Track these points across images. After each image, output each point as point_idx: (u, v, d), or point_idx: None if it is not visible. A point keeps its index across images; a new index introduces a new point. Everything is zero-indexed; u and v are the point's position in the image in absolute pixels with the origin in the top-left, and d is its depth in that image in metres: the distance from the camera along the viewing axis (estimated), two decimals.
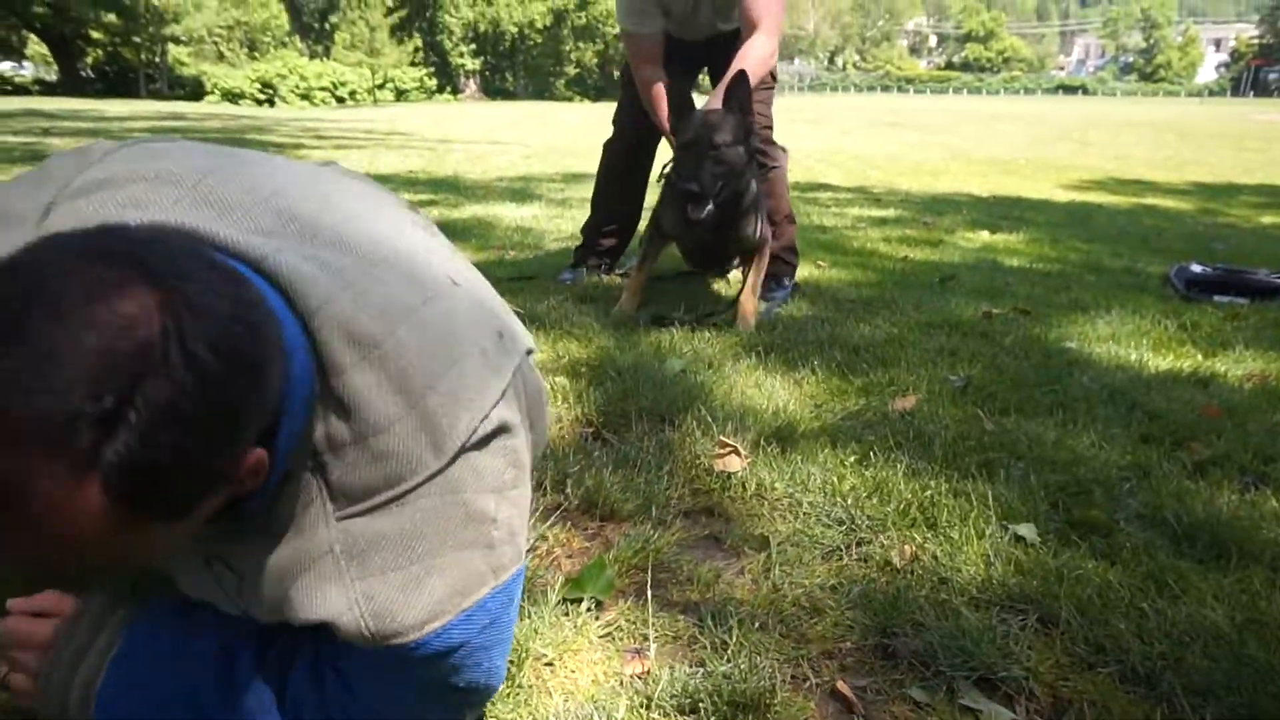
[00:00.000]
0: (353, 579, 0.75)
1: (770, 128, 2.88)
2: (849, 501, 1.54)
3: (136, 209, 0.75)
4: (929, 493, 1.56)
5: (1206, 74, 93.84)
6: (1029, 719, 1.07)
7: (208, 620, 0.86)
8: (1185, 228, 5.54)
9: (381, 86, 36.82)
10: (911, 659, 1.16)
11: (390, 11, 42.08)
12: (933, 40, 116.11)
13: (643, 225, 3.32)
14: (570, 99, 41.13)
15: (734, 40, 2.69)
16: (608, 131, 3.17)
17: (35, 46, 33.07)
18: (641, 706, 1.06)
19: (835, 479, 1.62)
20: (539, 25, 44.31)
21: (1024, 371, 2.27)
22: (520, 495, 0.84)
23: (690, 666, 1.13)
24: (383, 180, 0.97)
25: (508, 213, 4.87)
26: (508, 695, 1.07)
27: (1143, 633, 1.20)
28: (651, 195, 3.12)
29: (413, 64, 41.15)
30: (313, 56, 37.74)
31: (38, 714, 0.91)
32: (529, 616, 1.20)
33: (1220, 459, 1.76)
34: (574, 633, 1.19)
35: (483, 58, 45.54)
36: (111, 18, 29.92)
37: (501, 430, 0.80)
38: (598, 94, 43.08)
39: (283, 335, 0.67)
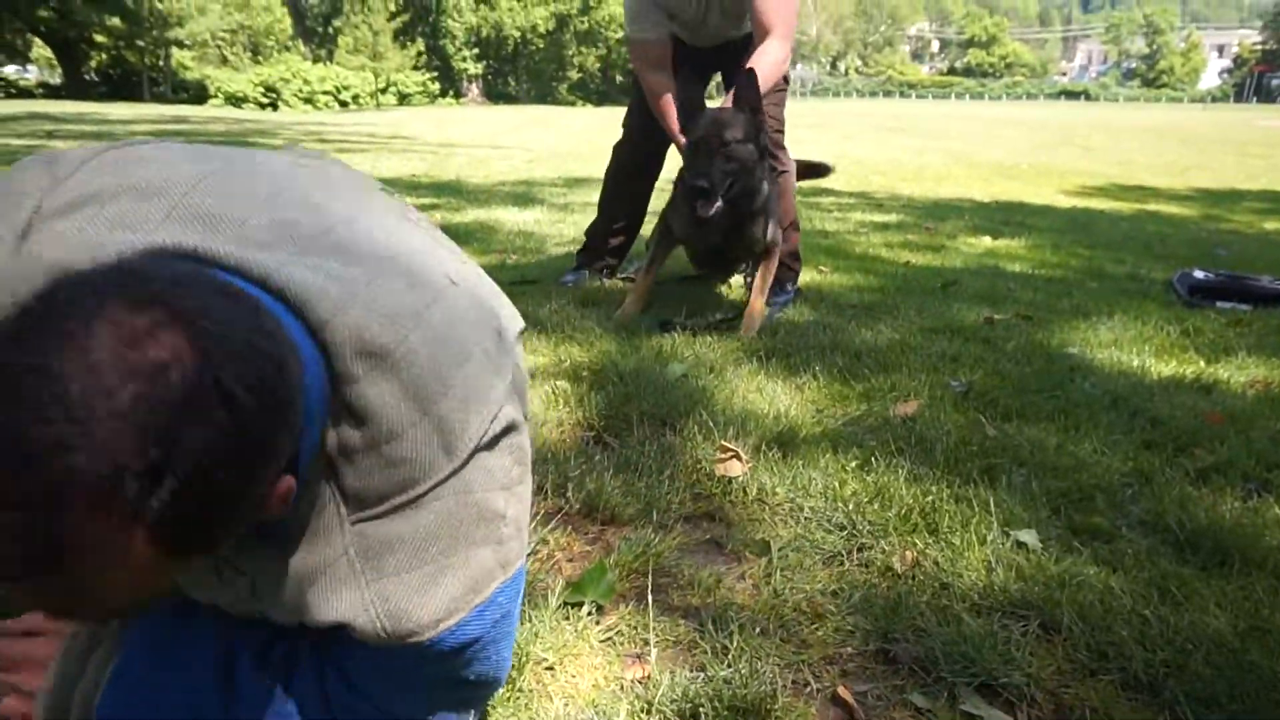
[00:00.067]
0: (368, 581, 0.75)
1: (781, 131, 2.88)
2: (850, 507, 1.54)
3: (125, 229, 0.71)
4: (930, 498, 1.56)
5: (1209, 80, 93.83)
6: None
7: (207, 624, 0.85)
8: (1188, 234, 5.53)
9: (384, 90, 36.88)
10: (913, 665, 1.15)
11: (393, 16, 42.19)
12: (935, 45, 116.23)
13: (646, 230, 3.32)
14: (573, 103, 41.18)
15: (745, 46, 2.68)
16: (610, 136, 3.18)
17: (40, 50, 33.20)
18: (642, 711, 1.05)
19: (836, 484, 1.61)
20: (542, 30, 44.41)
21: (1026, 377, 2.27)
22: (525, 490, 0.85)
23: (691, 671, 1.13)
24: (385, 184, 0.97)
25: (510, 217, 4.87)
26: (508, 699, 1.07)
27: (1145, 640, 1.19)
28: (657, 201, 3.12)
29: (415, 68, 41.22)
30: (316, 60, 37.79)
31: None
32: (530, 620, 1.20)
33: (1223, 466, 1.75)
34: (574, 637, 1.19)
35: (485, 62, 45.65)
36: (115, 21, 30.01)
37: (510, 429, 0.80)
38: (600, 98, 43.14)
39: (301, 356, 0.66)
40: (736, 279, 3.22)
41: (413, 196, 5.53)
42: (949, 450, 1.77)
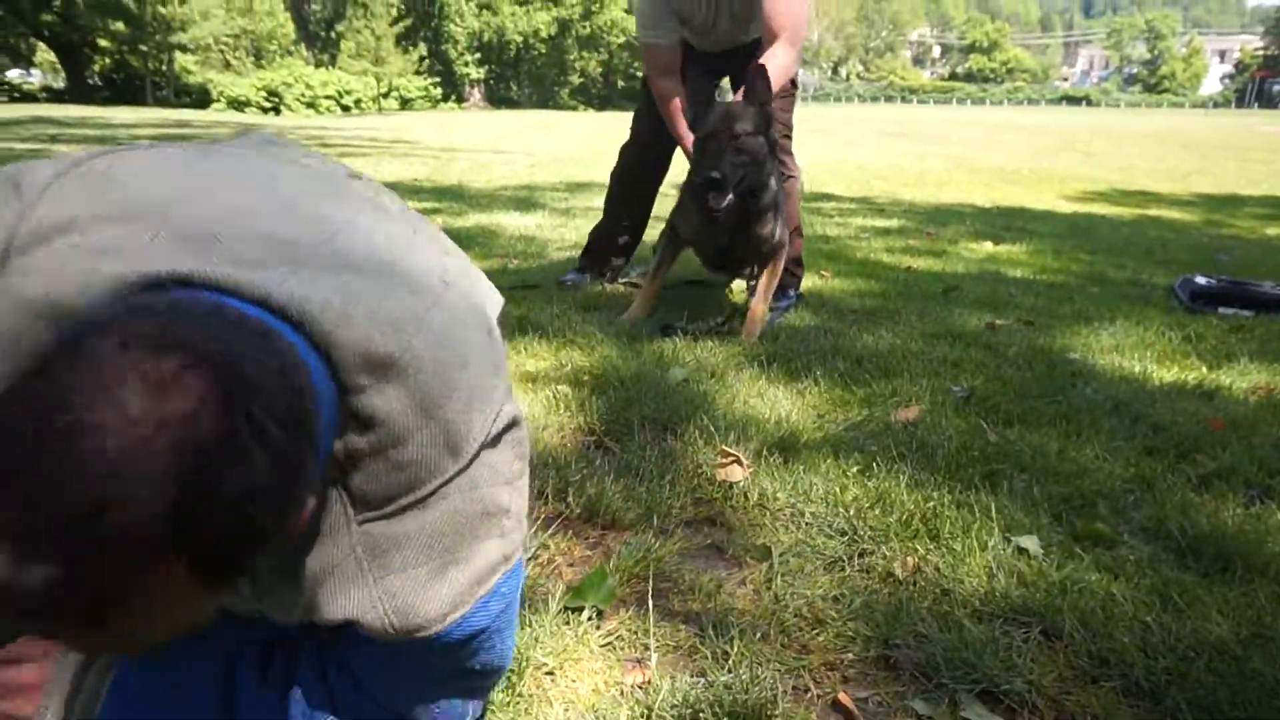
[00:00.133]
0: (375, 578, 0.76)
1: (789, 136, 2.88)
2: (851, 512, 1.54)
3: (110, 257, 0.68)
4: (932, 504, 1.56)
5: (1211, 85, 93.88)
6: None
7: (207, 633, 0.85)
8: (1190, 239, 5.53)
9: (387, 95, 36.93)
10: (914, 671, 1.15)
11: (396, 20, 42.25)
12: (936, 51, 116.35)
13: (650, 235, 3.33)
14: (574, 108, 41.23)
15: (754, 51, 2.68)
16: (612, 141, 3.19)
17: (43, 54, 33.28)
18: (642, 716, 1.05)
19: (838, 489, 1.61)
20: (544, 35, 44.47)
21: (1027, 383, 2.27)
22: (525, 483, 0.87)
23: (691, 677, 1.12)
24: (387, 188, 0.95)
25: (512, 221, 4.88)
26: (508, 704, 1.07)
27: (1147, 646, 1.19)
28: (662, 206, 3.12)
29: (418, 73, 41.27)
30: (318, 65, 37.83)
31: None
32: (530, 625, 1.19)
33: (1225, 472, 1.75)
34: (575, 642, 1.18)
35: (487, 67, 45.70)
36: (119, 26, 30.10)
37: (511, 425, 0.82)
38: (602, 103, 43.20)
39: (312, 377, 0.66)
40: (739, 284, 3.21)
41: (415, 201, 5.54)
42: (950, 456, 1.77)
